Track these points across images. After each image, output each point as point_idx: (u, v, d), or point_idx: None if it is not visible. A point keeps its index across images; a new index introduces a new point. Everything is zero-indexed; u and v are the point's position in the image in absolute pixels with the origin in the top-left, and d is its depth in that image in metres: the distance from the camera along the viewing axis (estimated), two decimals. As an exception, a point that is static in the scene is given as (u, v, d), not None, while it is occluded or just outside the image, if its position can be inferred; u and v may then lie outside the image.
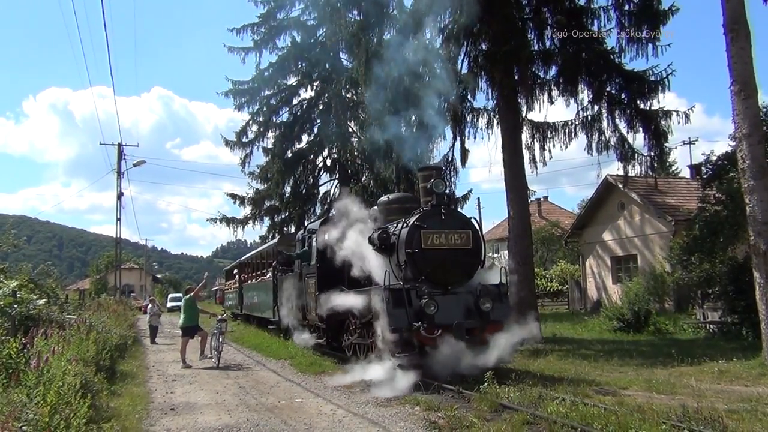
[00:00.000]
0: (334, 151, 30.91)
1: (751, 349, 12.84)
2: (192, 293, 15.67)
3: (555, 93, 17.98)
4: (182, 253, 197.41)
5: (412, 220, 11.01)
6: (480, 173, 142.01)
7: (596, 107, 17.51)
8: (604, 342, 16.74)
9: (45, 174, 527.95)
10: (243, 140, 31.28)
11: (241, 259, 32.12)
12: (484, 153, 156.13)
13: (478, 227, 11.41)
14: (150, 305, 23.43)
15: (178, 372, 13.46)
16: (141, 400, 9.70)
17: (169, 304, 50.24)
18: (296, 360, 14.00)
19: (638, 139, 17.22)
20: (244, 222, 31.60)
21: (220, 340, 14.64)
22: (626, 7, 16.78)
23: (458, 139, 18.86)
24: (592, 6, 17.23)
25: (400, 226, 11.31)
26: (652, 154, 17.13)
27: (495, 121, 18.74)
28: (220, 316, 15.74)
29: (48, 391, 6.00)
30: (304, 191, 31.03)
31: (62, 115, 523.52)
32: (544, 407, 7.75)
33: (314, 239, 14.38)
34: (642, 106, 16.81)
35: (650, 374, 11.01)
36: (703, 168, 19.54)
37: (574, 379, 10.04)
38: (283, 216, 30.87)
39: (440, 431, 7.17)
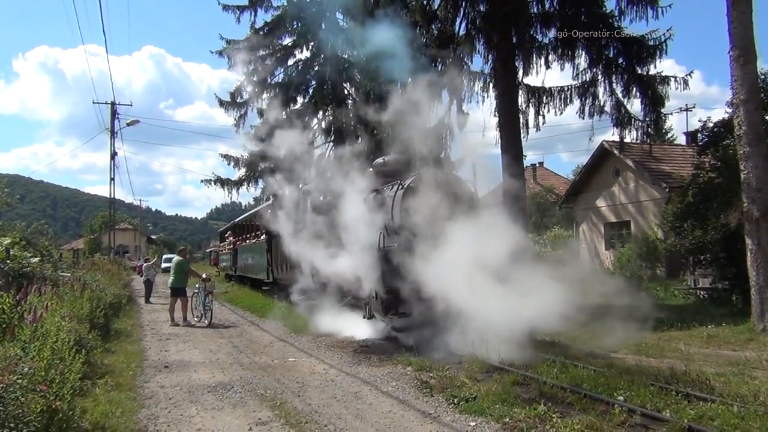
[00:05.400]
0: (329, 113, 30.57)
1: (740, 315, 12.98)
2: (185, 256, 15.82)
3: (552, 57, 17.76)
4: (177, 215, 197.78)
5: (407, 182, 10.96)
6: (475, 137, 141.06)
7: (593, 71, 17.32)
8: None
9: (38, 133, 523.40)
10: (237, 101, 30.94)
11: (236, 220, 32.12)
12: (479, 117, 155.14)
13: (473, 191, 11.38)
14: (145, 264, 23.55)
15: (172, 331, 13.56)
16: (135, 357, 9.79)
17: (164, 265, 50.21)
18: (290, 320, 14.10)
19: (635, 105, 17.14)
20: (238, 183, 31.37)
21: (209, 299, 14.79)
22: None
23: (454, 102, 18.71)
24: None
25: (395, 188, 11.26)
26: (649, 119, 17.05)
27: (491, 85, 18.56)
28: (204, 276, 15.93)
29: (43, 346, 6.02)
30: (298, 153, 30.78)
31: (53, 74, 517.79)
32: (535, 368, 7.86)
33: (308, 200, 14.34)
34: (640, 71, 16.65)
35: (640, 338, 11.14)
36: (699, 135, 19.41)
37: (565, 342, 10.15)
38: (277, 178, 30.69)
39: (432, 391, 7.25)
